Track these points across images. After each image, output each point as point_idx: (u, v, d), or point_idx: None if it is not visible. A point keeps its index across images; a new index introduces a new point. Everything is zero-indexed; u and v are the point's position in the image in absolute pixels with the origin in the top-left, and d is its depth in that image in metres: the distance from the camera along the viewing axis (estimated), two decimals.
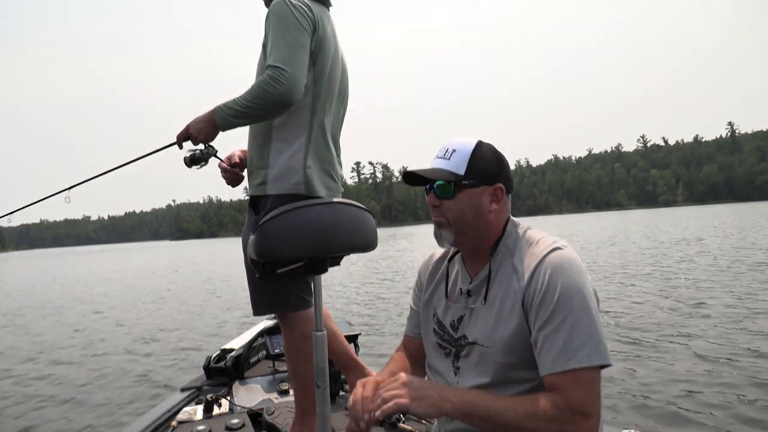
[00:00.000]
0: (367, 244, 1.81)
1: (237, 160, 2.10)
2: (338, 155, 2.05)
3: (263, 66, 1.83)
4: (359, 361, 2.22)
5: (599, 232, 28.17)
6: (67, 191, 2.19)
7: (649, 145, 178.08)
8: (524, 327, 1.16)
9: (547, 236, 1.24)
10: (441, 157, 1.26)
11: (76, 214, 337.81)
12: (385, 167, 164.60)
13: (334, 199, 1.81)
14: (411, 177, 1.30)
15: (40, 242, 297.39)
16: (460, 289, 1.31)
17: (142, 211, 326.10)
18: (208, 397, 2.46)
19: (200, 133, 1.85)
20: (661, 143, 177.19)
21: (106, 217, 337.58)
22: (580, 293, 1.11)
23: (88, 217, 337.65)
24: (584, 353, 1.07)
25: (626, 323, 6.11)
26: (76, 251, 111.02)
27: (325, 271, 1.75)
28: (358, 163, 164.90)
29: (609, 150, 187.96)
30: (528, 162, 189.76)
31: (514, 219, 1.31)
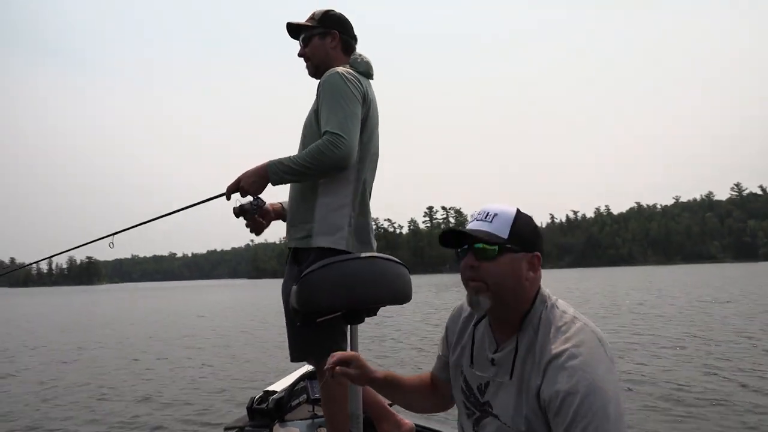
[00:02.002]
0: (403, 297, 1.97)
1: (265, 211, 2.18)
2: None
3: (313, 127, 2.02)
4: (391, 410, 2.24)
5: None
6: (111, 237, 2.37)
7: (744, 193, 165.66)
8: (541, 421, 1.17)
9: (570, 321, 1.22)
10: (481, 220, 1.25)
11: (164, 251, 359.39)
12: (458, 212, 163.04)
13: (372, 254, 1.98)
14: (449, 236, 1.29)
15: (131, 276, 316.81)
16: (487, 356, 1.32)
17: (222, 250, 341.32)
18: None
19: (251, 186, 1.99)
20: (759, 192, 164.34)
21: (190, 255, 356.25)
22: (599, 399, 1.10)
23: (174, 254, 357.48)
24: None
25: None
26: (159, 286, 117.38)
27: (362, 321, 1.94)
28: (430, 208, 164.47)
29: (698, 198, 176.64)
30: (608, 209, 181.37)
31: (543, 292, 1.29)
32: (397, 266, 1.98)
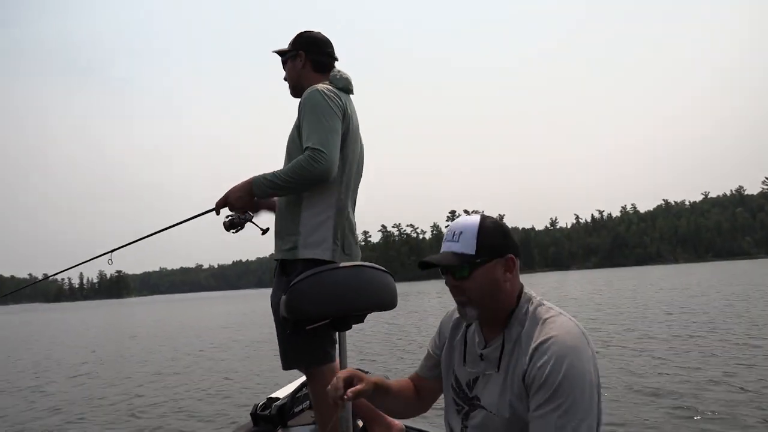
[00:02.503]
0: (388, 304, 2.07)
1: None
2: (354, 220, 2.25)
3: (297, 143, 2.09)
4: (381, 412, 2.25)
5: None
6: (110, 254, 2.49)
7: None
8: (525, 406, 1.24)
9: (554, 315, 1.29)
10: (450, 241, 1.34)
11: (190, 263, 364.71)
12: None
13: (358, 263, 2.06)
14: (426, 265, 1.36)
15: (159, 288, 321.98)
16: (476, 352, 1.40)
17: (247, 260, 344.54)
18: None
19: (238, 201, 2.09)
20: None
21: (216, 266, 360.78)
22: (578, 382, 1.17)
23: (201, 266, 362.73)
24: None
25: None
26: (186, 298, 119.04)
27: (349, 328, 2.02)
28: (453, 212, 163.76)
29: (729, 193, 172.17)
30: (635, 208, 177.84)
31: (527, 292, 1.37)
32: (383, 274, 2.07)
